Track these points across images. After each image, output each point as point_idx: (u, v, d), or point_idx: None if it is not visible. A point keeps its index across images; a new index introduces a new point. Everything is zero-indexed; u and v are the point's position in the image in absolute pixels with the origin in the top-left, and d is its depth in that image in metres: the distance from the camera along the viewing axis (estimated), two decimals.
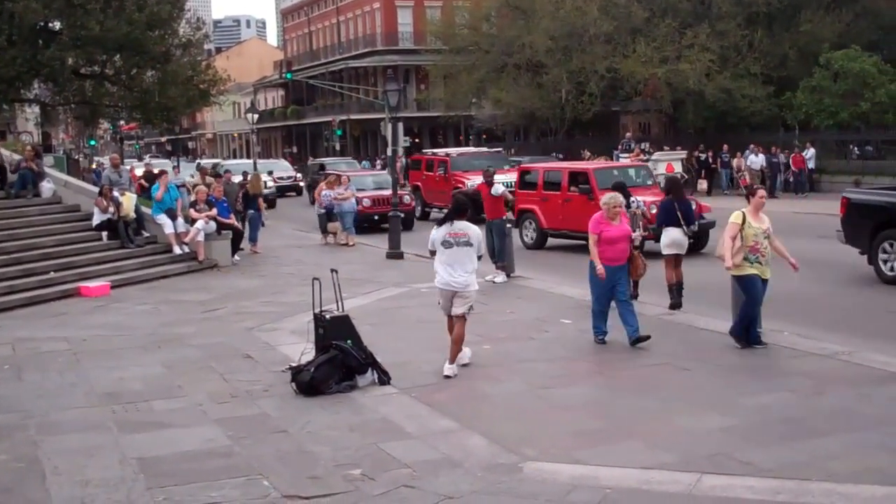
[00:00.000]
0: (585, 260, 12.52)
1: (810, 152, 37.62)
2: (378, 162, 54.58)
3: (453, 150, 34.79)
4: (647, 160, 38.82)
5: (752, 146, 39.17)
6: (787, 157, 38.82)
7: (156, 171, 26.04)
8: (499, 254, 17.97)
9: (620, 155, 40.07)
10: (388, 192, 26.72)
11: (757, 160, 38.24)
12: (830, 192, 35.17)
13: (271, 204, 37.46)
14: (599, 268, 11.75)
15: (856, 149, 38.54)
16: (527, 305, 15.16)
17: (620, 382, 10.41)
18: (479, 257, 11.09)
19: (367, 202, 27.82)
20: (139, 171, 31.27)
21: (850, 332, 12.28)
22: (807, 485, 7.23)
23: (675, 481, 7.40)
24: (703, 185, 37.66)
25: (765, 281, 11.49)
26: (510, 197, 19.22)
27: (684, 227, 14.30)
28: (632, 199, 15.62)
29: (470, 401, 9.84)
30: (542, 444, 8.34)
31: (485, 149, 37.27)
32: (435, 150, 36.14)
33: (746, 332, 11.52)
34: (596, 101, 46.86)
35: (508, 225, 18.33)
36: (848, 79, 39.90)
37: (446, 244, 10.87)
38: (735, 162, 39.82)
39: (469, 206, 11.18)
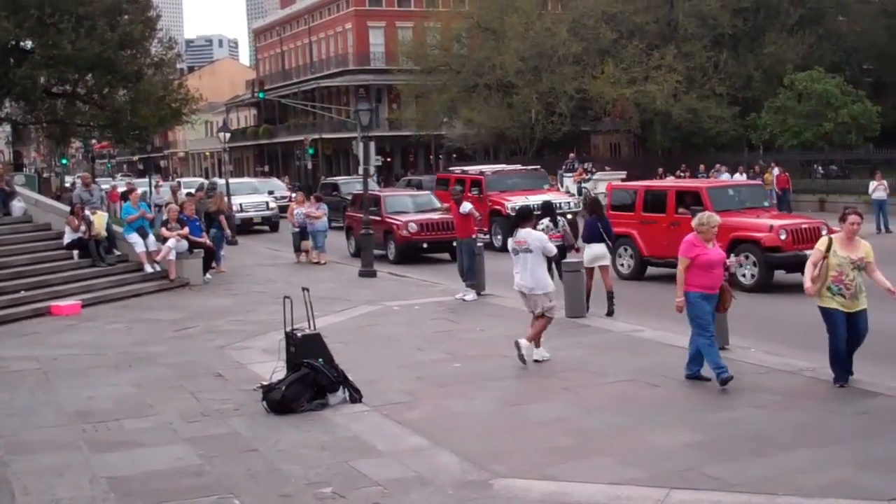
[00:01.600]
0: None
1: (775, 171, 37.96)
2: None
3: (487, 168, 31.45)
4: (589, 179, 39.47)
5: (740, 167, 38.80)
6: (755, 176, 39.12)
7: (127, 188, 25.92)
8: (468, 272, 18.08)
9: (564, 175, 40.92)
10: (437, 216, 24.62)
11: (741, 179, 37.46)
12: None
13: (274, 227, 36.26)
14: (680, 300, 10.71)
15: (820, 168, 39.05)
16: (497, 323, 15.21)
17: (590, 399, 10.47)
18: (551, 259, 12.57)
19: (413, 227, 24.53)
20: (121, 189, 31.32)
21: (815, 348, 12.43)
22: (774, 499, 7.31)
23: (645, 497, 7.46)
24: None
25: (857, 314, 10.33)
26: (477, 215, 19.12)
27: (607, 242, 15.96)
28: (558, 219, 17.12)
29: (440, 418, 9.87)
30: (513, 461, 8.38)
31: (518, 166, 33.29)
32: (466, 168, 32.63)
33: (841, 367, 10.40)
34: (565, 122, 47.26)
35: (479, 244, 18.42)
36: (811, 99, 40.49)
37: (513, 252, 12.30)
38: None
39: (531, 214, 12.68)
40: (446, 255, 24.12)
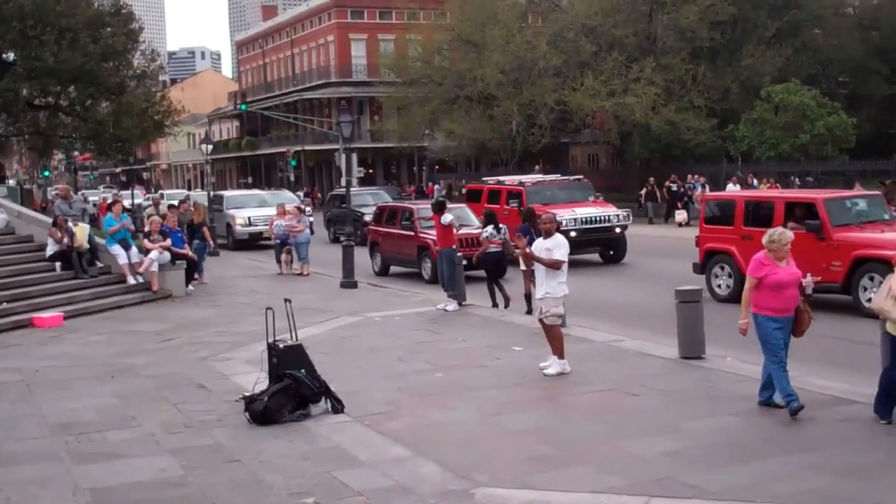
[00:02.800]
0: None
1: (675, 186, 37.97)
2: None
3: (527, 178, 28.95)
4: None
5: (733, 177, 38.27)
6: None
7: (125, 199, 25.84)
8: (449, 282, 18.17)
9: None
10: (475, 231, 21.19)
11: (734, 190, 36.39)
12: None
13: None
14: (743, 322, 9.98)
15: (797, 179, 39.32)
16: (479, 333, 15.30)
17: (570, 408, 10.56)
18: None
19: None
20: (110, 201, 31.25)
21: (790, 357, 12.53)
22: None
23: None
24: (682, 215, 37.24)
25: None
26: (457, 227, 19.09)
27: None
28: (500, 226, 18.12)
29: (422, 428, 9.94)
30: (494, 470, 8.45)
31: (558, 176, 31.07)
32: (501, 178, 29.84)
33: (890, 402, 9.44)
34: (546, 133, 47.48)
35: (459, 254, 18.52)
36: (788, 111, 40.84)
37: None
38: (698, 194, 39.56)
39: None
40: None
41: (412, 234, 23.02)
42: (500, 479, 8.25)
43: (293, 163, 68.14)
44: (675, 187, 39.73)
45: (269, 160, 79.68)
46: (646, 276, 22.48)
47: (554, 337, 12.20)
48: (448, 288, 18.17)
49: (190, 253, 22.00)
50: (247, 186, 75.67)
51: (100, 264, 20.98)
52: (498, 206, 25.63)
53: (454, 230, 18.71)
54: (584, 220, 24.74)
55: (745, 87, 45.58)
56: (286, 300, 11.41)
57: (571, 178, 29.76)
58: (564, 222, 23.31)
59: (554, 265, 12.03)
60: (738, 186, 36.76)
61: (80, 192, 57.54)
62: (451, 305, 17.80)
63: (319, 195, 62.89)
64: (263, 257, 29.13)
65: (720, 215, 18.81)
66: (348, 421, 10.26)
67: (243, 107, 69.65)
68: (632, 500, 7.61)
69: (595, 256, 25.60)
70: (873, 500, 7.50)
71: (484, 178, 31.69)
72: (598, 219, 25.02)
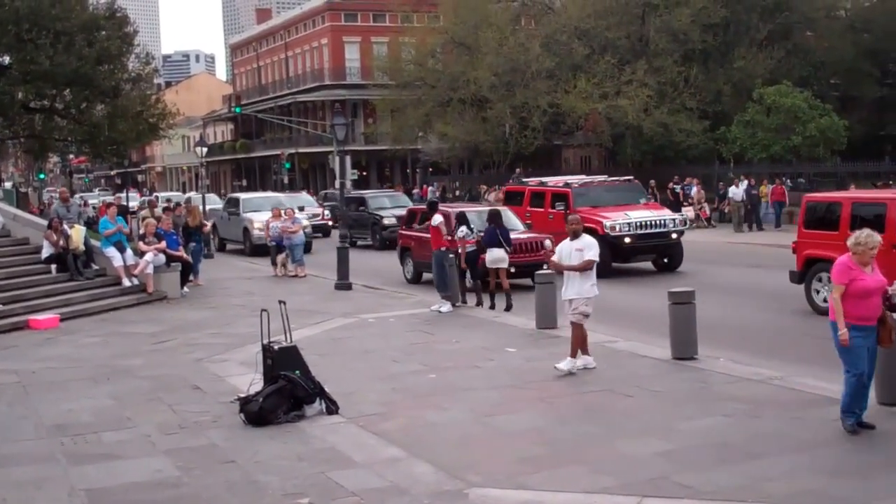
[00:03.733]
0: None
1: (744, 184, 38.07)
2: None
3: (574, 179, 26.63)
4: None
5: (742, 178, 37.68)
6: (724, 189, 39.24)
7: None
8: (441, 284, 18.21)
9: None
10: (526, 236, 20.88)
11: (738, 191, 36.67)
12: (766, 223, 35.98)
13: (307, 248, 29.66)
14: (843, 332, 9.06)
15: (788, 181, 39.40)
16: (472, 335, 15.36)
17: (564, 409, 10.61)
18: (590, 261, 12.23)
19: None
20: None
21: (783, 357, 12.63)
22: None
23: None
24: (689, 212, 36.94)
25: None
26: (444, 230, 18.76)
27: (505, 247, 17.97)
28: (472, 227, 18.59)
29: (416, 429, 9.98)
30: (488, 471, 8.50)
31: (604, 177, 28.49)
32: (544, 179, 27.48)
33: None
34: (538, 136, 47.52)
35: (451, 255, 18.57)
36: (780, 113, 40.89)
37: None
38: (695, 194, 39.55)
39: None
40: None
41: (450, 238, 20.31)
42: (493, 479, 8.29)
43: (287, 165, 68.09)
44: (677, 189, 39.74)
45: (263, 162, 79.61)
46: (640, 278, 22.57)
47: (575, 335, 12.26)
48: (441, 289, 18.22)
49: (185, 255, 22.03)
50: (241, 189, 75.64)
51: (95, 266, 20.99)
52: (542, 210, 24.69)
53: (442, 232, 18.62)
54: (638, 224, 22.93)
55: (738, 89, 45.63)
56: (281, 302, 11.46)
57: (620, 178, 27.10)
58: (617, 227, 22.42)
59: (587, 266, 12.11)
60: (741, 189, 36.57)
61: (77, 195, 57.58)
62: (445, 307, 17.86)
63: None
64: (258, 259, 29.12)
65: (823, 219, 16.95)
66: (343, 422, 10.30)
67: (237, 109, 69.69)
68: (625, 501, 7.66)
69: (648, 265, 23.95)
70: (867, 500, 7.54)
71: (523, 179, 29.39)
72: (653, 223, 23.19)
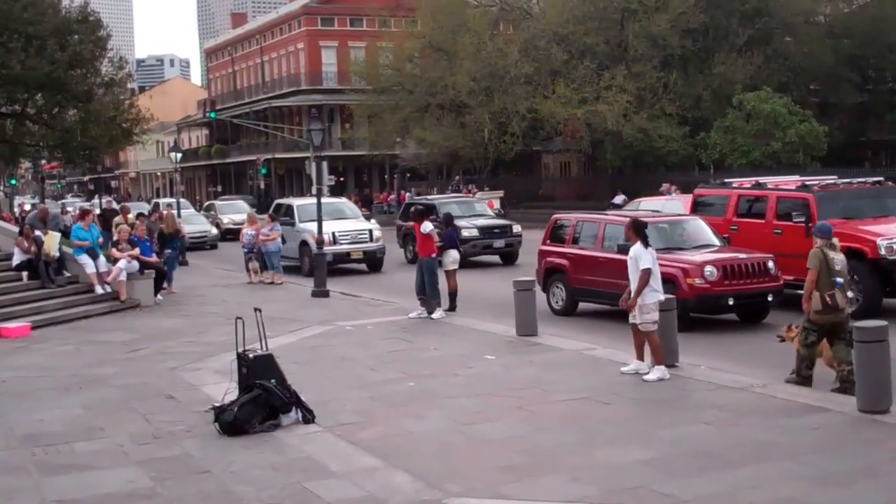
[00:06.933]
0: None
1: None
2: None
3: (812, 180, 19.24)
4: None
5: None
6: None
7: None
8: (430, 290, 18.07)
9: (452, 194, 42.07)
10: (742, 255, 16.26)
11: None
12: None
13: (377, 265, 27.43)
14: None
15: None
16: (451, 342, 15.27)
17: (543, 417, 10.54)
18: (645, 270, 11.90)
19: (711, 273, 15.49)
20: (97, 210, 31.13)
21: (763, 365, 12.59)
22: None
23: None
24: None
25: None
26: (436, 238, 18.64)
27: (459, 249, 19.42)
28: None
29: (394, 438, 9.89)
30: (467, 480, 8.43)
31: (846, 180, 20.04)
32: (761, 180, 19.98)
33: None
34: (518, 141, 47.63)
35: (439, 261, 18.49)
36: (760, 119, 41.12)
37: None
38: None
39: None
40: (599, 306, 17.63)
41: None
42: (472, 488, 8.22)
43: (263, 171, 67.89)
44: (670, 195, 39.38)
45: (238, 168, 79.33)
46: None
47: (652, 344, 12.07)
48: (432, 297, 18.04)
49: (158, 262, 21.84)
50: (216, 195, 75.30)
51: (67, 273, 20.78)
52: (760, 221, 17.99)
53: (434, 239, 18.52)
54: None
55: (717, 95, 45.87)
56: (256, 309, 11.34)
57: (870, 180, 19.69)
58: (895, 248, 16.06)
59: (645, 283, 11.97)
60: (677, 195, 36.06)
61: (60, 201, 56.92)
62: (437, 313, 17.75)
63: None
64: (233, 266, 28.95)
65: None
66: (319, 431, 10.20)
67: (212, 115, 69.42)
68: None
69: None
70: None
71: (723, 181, 21.55)
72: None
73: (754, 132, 41.23)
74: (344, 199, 34.76)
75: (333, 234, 26.45)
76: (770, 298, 15.62)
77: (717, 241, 16.97)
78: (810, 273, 11.08)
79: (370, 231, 27.81)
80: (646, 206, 24.97)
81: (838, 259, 11.24)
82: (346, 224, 27.81)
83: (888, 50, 50.01)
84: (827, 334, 11.16)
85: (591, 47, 47.10)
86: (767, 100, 41.35)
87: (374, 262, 27.44)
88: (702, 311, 15.70)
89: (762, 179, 20.06)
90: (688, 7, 44.60)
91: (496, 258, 28.39)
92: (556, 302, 18.17)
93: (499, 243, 28.03)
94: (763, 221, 17.94)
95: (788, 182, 19.72)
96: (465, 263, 26.25)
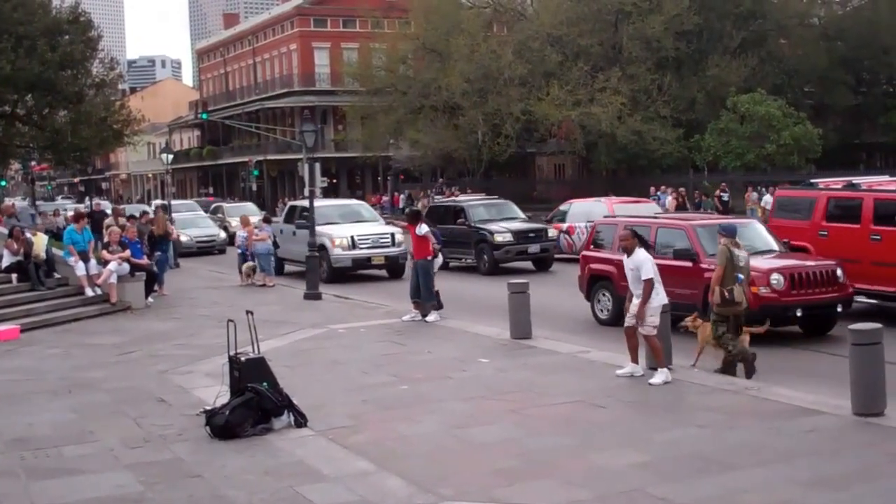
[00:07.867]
0: None
1: (726, 195, 38.12)
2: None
3: None
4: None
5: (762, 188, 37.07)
6: (700, 198, 39.35)
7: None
8: (426, 293, 17.97)
9: (435, 196, 41.85)
10: (807, 262, 15.05)
11: (770, 198, 35.78)
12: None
13: (399, 271, 25.42)
14: None
15: (763, 189, 39.62)
16: (444, 345, 15.20)
17: (537, 421, 10.48)
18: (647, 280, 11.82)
19: (778, 281, 14.25)
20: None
21: (757, 367, 12.54)
22: None
23: None
24: None
25: None
26: (433, 239, 18.46)
27: (441, 250, 19.28)
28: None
29: (387, 442, 9.82)
30: (460, 484, 8.37)
31: None
32: (854, 180, 18.21)
33: None
34: (511, 143, 47.68)
35: (438, 262, 18.42)
36: (754, 122, 41.21)
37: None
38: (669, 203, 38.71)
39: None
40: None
41: (690, 265, 15.17)
42: (465, 492, 8.17)
43: (255, 172, 67.85)
44: (725, 196, 37.04)
45: (230, 170, 79.26)
46: None
47: (652, 347, 12.05)
48: (427, 299, 17.93)
49: (149, 263, 21.74)
50: (208, 196, 75.17)
51: (57, 276, 20.65)
52: (854, 226, 16.27)
53: (431, 241, 18.41)
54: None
55: (711, 97, 45.98)
56: (248, 312, 11.26)
57: None
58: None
59: (649, 293, 11.87)
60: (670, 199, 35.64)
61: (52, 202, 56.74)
62: (432, 316, 17.65)
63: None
64: (224, 268, 28.87)
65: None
66: (311, 435, 10.13)
67: (204, 116, 69.32)
68: None
69: None
70: None
71: (808, 181, 20.15)
72: None
73: (748, 134, 41.33)
74: (360, 202, 32.73)
75: (352, 237, 25.06)
76: (840, 309, 14.60)
77: (776, 246, 15.68)
78: (717, 269, 12.25)
79: (392, 235, 25.51)
80: (576, 208, 28.46)
81: (742, 257, 12.30)
82: (365, 227, 26.04)
83: (882, 52, 50.21)
84: (732, 325, 12.23)
85: (585, 49, 47.16)
86: (761, 102, 41.45)
87: (395, 268, 25.57)
88: (773, 319, 13.98)
89: (856, 180, 18.24)
90: (682, 9, 44.71)
91: (528, 264, 26.02)
92: (602, 311, 16.97)
93: (534, 248, 25.83)
94: (858, 226, 16.24)
95: (883, 182, 18.16)
96: (465, 265, 26.37)
